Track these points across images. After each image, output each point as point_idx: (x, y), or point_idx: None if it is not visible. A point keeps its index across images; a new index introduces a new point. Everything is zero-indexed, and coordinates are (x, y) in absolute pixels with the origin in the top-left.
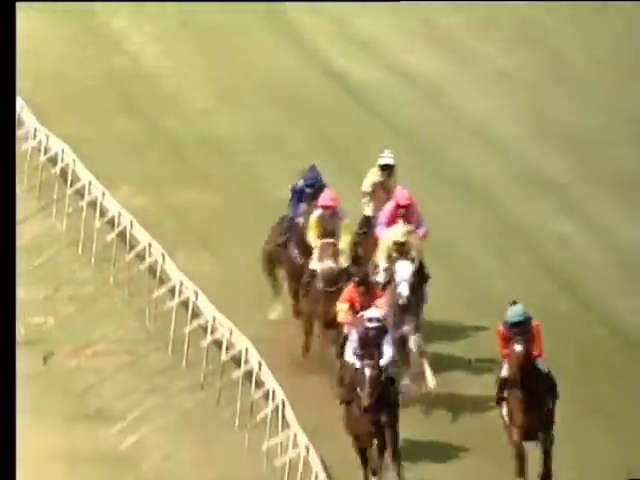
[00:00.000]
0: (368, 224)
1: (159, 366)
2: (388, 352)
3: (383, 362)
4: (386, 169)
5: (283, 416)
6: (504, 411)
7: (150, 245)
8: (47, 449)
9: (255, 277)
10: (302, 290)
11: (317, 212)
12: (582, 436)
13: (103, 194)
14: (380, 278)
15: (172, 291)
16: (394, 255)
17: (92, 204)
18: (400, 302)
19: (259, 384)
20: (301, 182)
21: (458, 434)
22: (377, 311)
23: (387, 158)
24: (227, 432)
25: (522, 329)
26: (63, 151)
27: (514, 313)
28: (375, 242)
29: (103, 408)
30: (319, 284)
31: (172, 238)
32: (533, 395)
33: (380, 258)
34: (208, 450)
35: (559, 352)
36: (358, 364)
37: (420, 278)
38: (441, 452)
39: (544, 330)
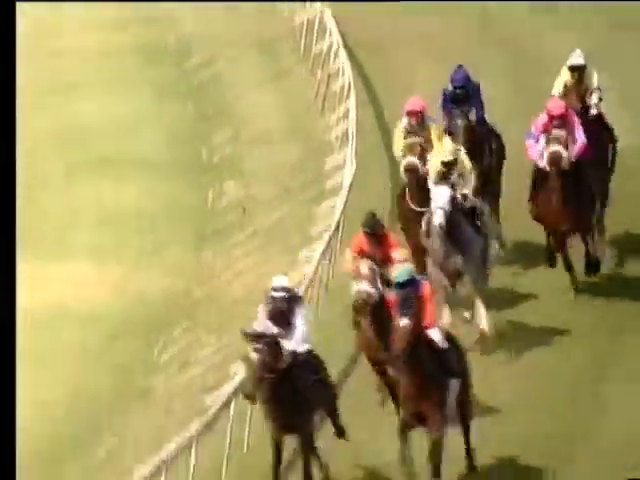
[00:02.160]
0: None
1: None
2: (298, 332)
3: (289, 345)
4: (576, 70)
5: None
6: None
7: None
8: None
9: None
10: None
11: (402, 120)
12: None
13: None
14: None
15: None
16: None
17: None
18: (436, 232)
19: None
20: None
21: None
22: (284, 279)
23: (577, 58)
24: None
25: (407, 293)
26: None
27: (400, 272)
28: None
29: None
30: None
31: None
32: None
33: (430, 183)
34: None
35: None
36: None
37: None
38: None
39: None
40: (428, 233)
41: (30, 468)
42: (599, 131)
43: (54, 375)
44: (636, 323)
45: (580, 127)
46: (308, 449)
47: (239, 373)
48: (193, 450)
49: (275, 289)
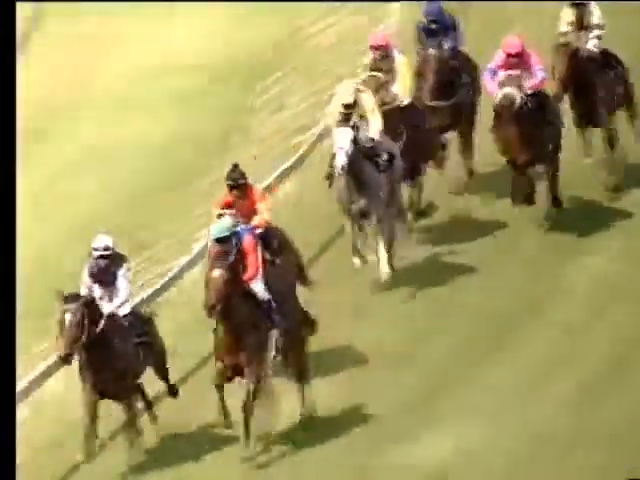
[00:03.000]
0: None
1: None
2: (121, 293)
3: (108, 307)
4: (576, 7)
5: None
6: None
7: None
8: None
9: None
10: None
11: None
12: None
13: None
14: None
15: None
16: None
17: None
18: (335, 173)
19: None
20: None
21: None
22: (106, 237)
23: None
24: None
25: (225, 247)
26: None
27: (217, 228)
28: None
29: None
30: None
31: None
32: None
33: (331, 126)
34: None
35: None
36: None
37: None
38: None
39: None
40: (332, 175)
41: None
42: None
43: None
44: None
45: (539, 63)
46: (131, 415)
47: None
48: None
49: (96, 249)
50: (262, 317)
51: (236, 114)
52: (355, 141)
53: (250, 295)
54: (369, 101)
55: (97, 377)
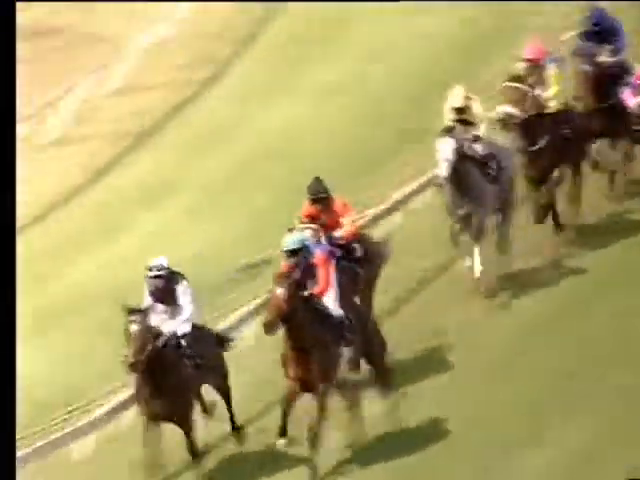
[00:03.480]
0: None
1: None
2: (185, 312)
3: (169, 325)
4: None
5: None
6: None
7: None
8: None
9: None
10: None
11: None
12: None
13: None
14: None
15: None
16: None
17: None
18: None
19: None
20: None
21: None
22: (162, 258)
23: None
24: None
25: (297, 260)
26: None
27: (290, 240)
28: None
29: None
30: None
31: None
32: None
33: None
34: None
35: None
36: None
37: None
38: None
39: None
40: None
41: None
42: None
43: None
44: None
45: None
46: (188, 436)
47: None
48: None
49: (150, 269)
50: (332, 332)
51: None
52: (461, 149)
53: (319, 310)
54: (478, 108)
55: (152, 397)
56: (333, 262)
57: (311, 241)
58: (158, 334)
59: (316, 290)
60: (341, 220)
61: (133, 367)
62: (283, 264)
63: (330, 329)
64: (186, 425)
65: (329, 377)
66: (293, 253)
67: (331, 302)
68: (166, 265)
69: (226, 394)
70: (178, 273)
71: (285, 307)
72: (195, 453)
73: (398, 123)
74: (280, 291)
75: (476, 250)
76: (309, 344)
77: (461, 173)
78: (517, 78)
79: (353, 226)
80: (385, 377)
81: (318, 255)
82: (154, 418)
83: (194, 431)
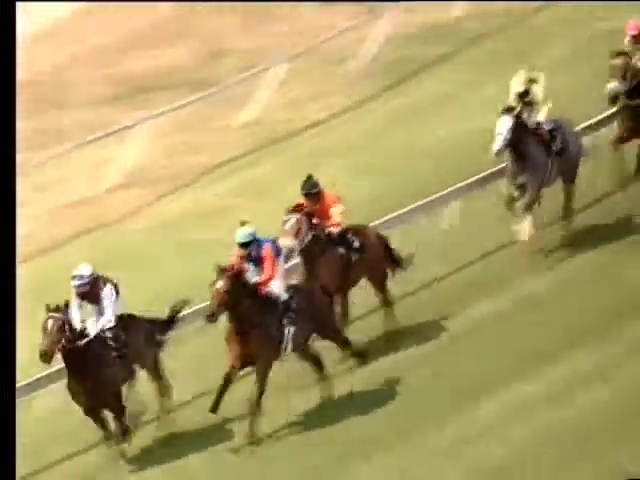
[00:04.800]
0: None
1: None
2: (107, 311)
3: (94, 327)
4: None
5: None
6: None
7: None
8: None
9: None
10: None
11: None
12: None
13: None
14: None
15: None
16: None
17: None
18: (492, 155)
19: None
20: None
21: None
22: (85, 267)
23: None
24: None
25: (247, 252)
26: None
27: (242, 234)
28: None
29: None
30: None
31: None
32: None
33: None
34: None
35: None
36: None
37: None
38: None
39: None
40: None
41: None
42: None
43: None
44: None
45: None
46: (118, 420)
47: None
48: None
49: (73, 277)
50: (274, 314)
51: None
52: (523, 125)
53: (260, 296)
54: (539, 90)
55: (81, 389)
56: (280, 258)
57: (260, 235)
58: (80, 331)
59: (262, 279)
60: (330, 211)
61: (44, 357)
62: (234, 255)
63: (272, 311)
64: (115, 410)
65: (268, 351)
66: (244, 245)
67: (276, 288)
68: (88, 273)
69: (158, 376)
70: (104, 277)
71: (225, 297)
72: (125, 433)
73: None
74: (219, 284)
75: (528, 217)
76: (250, 327)
77: (521, 146)
78: (622, 53)
79: (340, 216)
80: (342, 345)
81: (266, 248)
82: (88, 409)
83: (125, 415)
